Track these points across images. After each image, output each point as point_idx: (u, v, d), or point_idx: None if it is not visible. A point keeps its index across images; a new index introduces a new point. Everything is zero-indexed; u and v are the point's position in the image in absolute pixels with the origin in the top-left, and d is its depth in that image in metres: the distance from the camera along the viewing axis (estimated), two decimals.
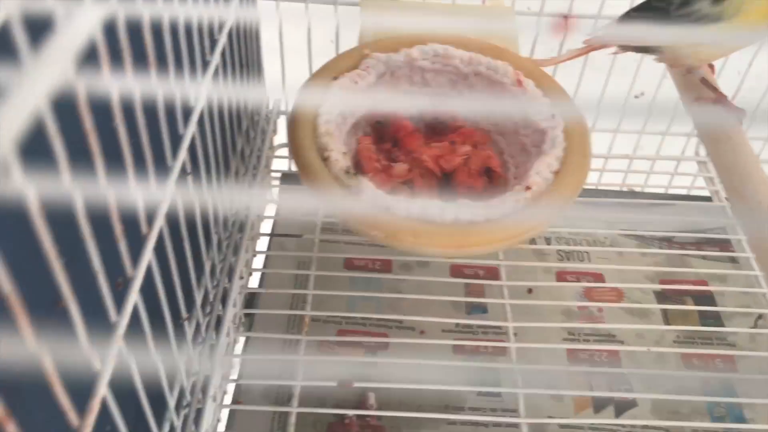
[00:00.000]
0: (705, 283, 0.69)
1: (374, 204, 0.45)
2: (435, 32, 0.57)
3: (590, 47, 0.53)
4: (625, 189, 0.77)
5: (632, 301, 0.67)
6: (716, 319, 0.66)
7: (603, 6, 0.62)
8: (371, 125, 0.54)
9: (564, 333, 0.64)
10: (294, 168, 0.72)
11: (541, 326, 0.61)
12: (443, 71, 0.56)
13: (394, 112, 0.54)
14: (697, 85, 0.51)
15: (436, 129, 0.55)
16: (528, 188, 0.46)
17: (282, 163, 0.73)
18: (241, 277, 0.55)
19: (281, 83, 0.69)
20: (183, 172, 0.41)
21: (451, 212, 0.45)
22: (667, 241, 0.72)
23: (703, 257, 0.72)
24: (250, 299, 0.64)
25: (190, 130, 0.40)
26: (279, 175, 0.74)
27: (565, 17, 0.62)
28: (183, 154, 0.39)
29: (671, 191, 0.77)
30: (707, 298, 0.67)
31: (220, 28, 0.48)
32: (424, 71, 0.56)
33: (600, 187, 0.77)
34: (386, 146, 0.53)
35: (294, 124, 0.50)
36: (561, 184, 0.47)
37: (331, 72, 0.54)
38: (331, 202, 0.46)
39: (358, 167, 0.52)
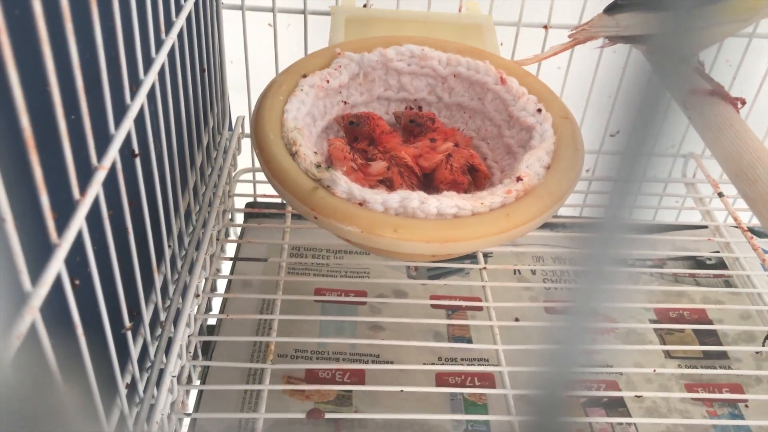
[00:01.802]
0: (703, 311, 0.64)
1: (350, 197, 0.40)
2: (410, 35, 0.54)
3: (575, 41, 0.50)
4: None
5: (628, 331, 0.62)
6: (721, 353, 0.61)
7: (583, 16, 0.60)
8: (344, 126, 0.50)
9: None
10: (260, 191, 0.68)
11: (530, 348, 0.56)
12: (420, 74, 0.53)
13: (367, 112, 0.50)
14: (691, 76, 0.48)
15: (414, 132, 0.50)
16: (519, 179, 0.42)
17: (247, 188, 0.68)
18: (197, 295, 0.48)
19: (245, 104, 0.64)
20: (129, 150, 0.35)
21: (433, 205, 0.40)
22: (659, 271, 0.68)
23: (697, 283, 0.68)
24: (210, 329, 0.57)
25: (138, 103, 0.35)
26: (243, 204, 0.68)
27: (545, 27, 0.60)
28: (129, 123, 0.34)
29: (658, 216, 0.74)
30: (709, 332, 0.63)
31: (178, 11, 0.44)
32: (400, 74, 0.53)
33: (582, 219, 0.73)
34: (361, 145, 0.48)
35: (259, 116, 0.45)
36: (553, 178, 0.43)
37: (300, 69, 0.50)
38: (301, 198, 0.40)
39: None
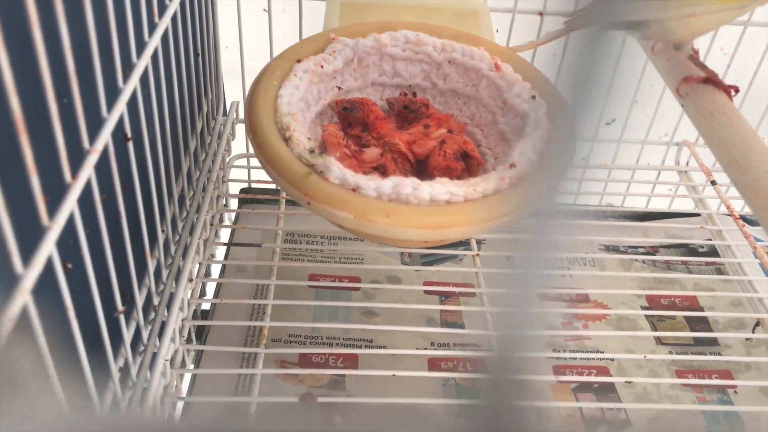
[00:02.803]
0: (694, 298, 0.65)
1: (343, 183, 0.40)
2: (406, 21, 0.54)
3: (570, 27, 0.50)
4: (603, 205, 0.73)
5: (619, 317, 0.63)
6: (711, 339, 0.61)
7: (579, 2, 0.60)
8: (338, 112, 0.50)
9: (548, 349, 0.59)
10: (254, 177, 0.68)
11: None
12: (415, 59, 0.53)
13: (361, 97, 0.50)
14: (684, 64, 0.48)
15: (408, 118, 0.50)
16: (512, 166, 0.42)
17: (241, 173, 0.68)
18: (190, 279, 0.48)
19: (240, 90, 0.64)
20: (122, 133, 0.35)
21: (426, 191, 0.40)
22: (652, 258, 0.68)
23: (689, 270, 0.68)
24: (204, 314, 0.57)
25: (130, 86, 0.35)
26: (237, 189, 0.68)
27: (541, 14, 0.60)
28: (121, 107, 0.33)
29: (651, 204, 0.74)
30: (699, 319, 0.63)
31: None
32: (394, 59, 0.53)
33: (576, 206, 0.73)
34: (355, 131, 0.48)
35: (252, 101, 0.45)
36: (547, 165, 0.43)
37: (294, 55, 0.50)
38: (294, 183, 0.40)
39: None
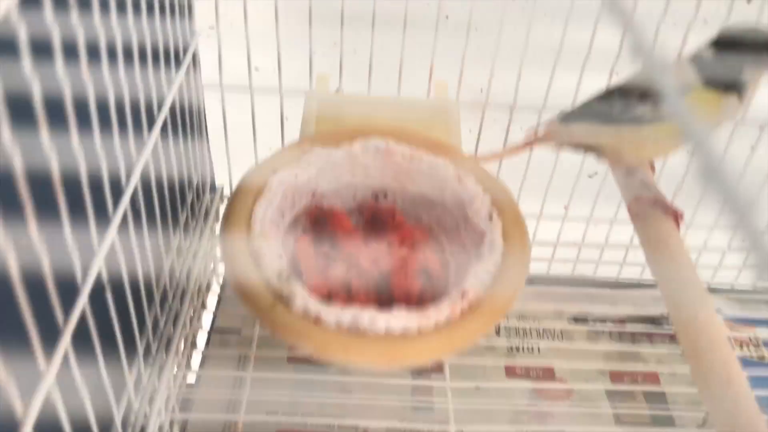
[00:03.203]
0: (656, 377, 0.68)
1: (305, 312, 0.44)
2: (377, 123, 0.57)
3: (530, 142, 0.53)
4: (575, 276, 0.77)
5: (582, 398, 0.66)
6: (667, 418, 0.65)
7: (547, 99, 0.63)
8: (310, 222, 0.53)
9: None
10: None
11: (489, 430, 0.60)
12: (385, 167, 0.56)
13: (333, 209, 0.53)
14: (638, 184, 0.51)
15: (375, 226, 0.54)
16: (464, 295, 0.45)
17: None
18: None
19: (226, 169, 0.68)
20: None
21: (382, 322, 0.43)
22: (618, 331, 0.72)
23: (653, 346, 0.71)
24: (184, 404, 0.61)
25: (107, 243, 0.38)
26: None
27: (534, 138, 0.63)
28: (96, 267, 0.37)
29: (622, 277, 0.77)
30: (659, 396, 0.66)
31: (160, 106, 0.47)
32: (366, 166, 0.56)
33: (550, 273, 0.76)
34: (325, 248, 0.51)
35: (227, 222, 0.49)
36: (498, 290, 0.46)
37: (271, 165, 0.53)
38: (261, 314, 0.44)
39: (297, 269, 0.51)
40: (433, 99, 0.61)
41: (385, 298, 0.49)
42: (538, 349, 0.70)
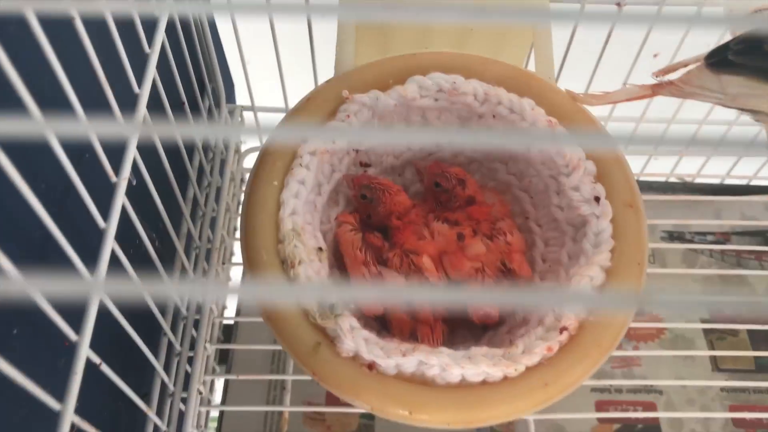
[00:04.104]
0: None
1: (356, 357, 0.34)
2: (437, 51, 0.42)
3: (656, 92, 0.38)
4: (674, 179, 0.63)
5: (675, 335, 0.57)
6: None
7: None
8: (355, 197, 0.41)
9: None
10: None
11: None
12: (451, 108, 0.42)
13: (383, 182, 0.41)
14: None
15: (440, 198, 0.42)
16: (563, 330, 0.35)
17: None
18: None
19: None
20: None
21: (456, 373, 0.34)
22: (720, 249, 0.60)
23: (762, 267, 0.60)
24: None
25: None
26: None
27: (618, 4, 0.46)
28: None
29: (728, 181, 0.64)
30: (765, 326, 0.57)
31: None
32: (424, 110, 0.42)
33: (642, 178, 0.63)
34: (375, 240, 0.40)
35: (248, 222, 0.37)
36: (603, 320, 0.35)
37: (300, 128, 0.40)
38: (300, 355, 0.34)
39: (340, 265, 0.40)
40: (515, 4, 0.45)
41: (456, 315, 0.39)
42: None
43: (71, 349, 0.27)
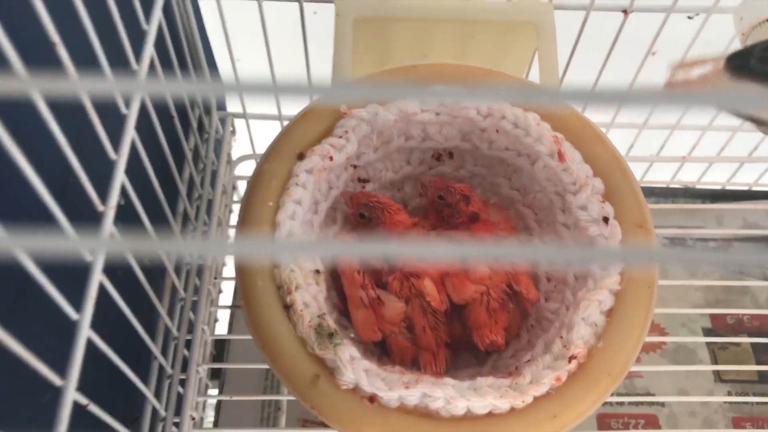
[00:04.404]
0: (766, 318, 0.57)
1: (357, 389, 0.33)
2: (438, 61, 0.40)
3: (672, 85, 0.36)
4: (676, 185, 0.62)
5: (677, 345, 0.56)
6: None
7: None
8: (353, 215, 0.39)
9: None
10: None
11: None
12: (452, 123, 0.40)
13: (381, 200, 0.39)
14: None
15: (444, 213, 0.40)
16: (572, 358, 0.33)
17: None
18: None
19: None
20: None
21: (461, 405, 0.32)
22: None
23: (765, 276, 0.59)
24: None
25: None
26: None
27: (625, 12, 0.44)
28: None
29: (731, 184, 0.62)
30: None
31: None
32: (425, 124, 0.40)
33: (643, 184, 0.61)
34: (375, 262, 0.38)
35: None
36: (615, 341, 0.34)
37: (294, 143, 0.38)
38: (298, 388, 0.33)
39: (338, 287, 0.39)
40: (516, 2, 0.43)
41: (459, 337, 0.38)
42: None
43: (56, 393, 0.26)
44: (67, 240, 0.14)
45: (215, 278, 0.49)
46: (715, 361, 0.55)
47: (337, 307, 0.38)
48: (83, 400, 0.27)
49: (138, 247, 0.15)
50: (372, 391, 0.32)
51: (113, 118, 0.31)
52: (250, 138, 0.55)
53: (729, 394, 0.54)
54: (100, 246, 0.15)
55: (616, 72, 0.47)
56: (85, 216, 0.28)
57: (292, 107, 0.46)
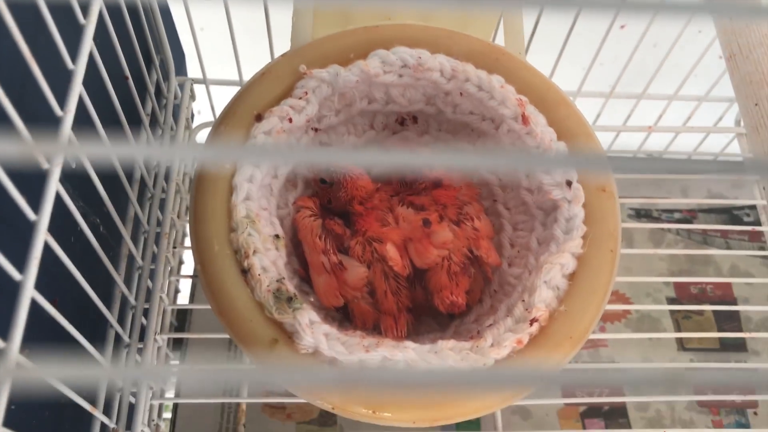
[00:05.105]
0: (728, 287, 0.58)
1: (316, 354, 0.32)
2: (400, 22, 0.39)
3: None
4: (642, 155, 0.62)
5: (641, 315, 0.56)
6: (737, 332, 0.56)
7: None
8: (315, 182, 0.38)
9: None
10: None
11: None
12: (416, 85, 0.39)
13: (345, 170, 0.38)
14: None
15: (406, 179, 0.39)
16: (533, 321, 0.33)
17: None
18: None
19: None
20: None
21: (423, 366, 0.32)
22: (687, 229, 0.60)
23: (728, 245, 0.60)
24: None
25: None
26: None
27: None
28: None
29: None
30: (730, 306, 0.56)
31: None
32: (388, 86, 0.39)
33: (611, 153, 0.61)
34: (336, 227, 0.37)
35: (198, 207, 0.34)
36: (576, 304, 0.34)
37: (250, 106, 0.37)
38: (256, 353, 0.32)
39: (299, 253, 0.38)
40: None
41: (421, 303, 0.37)
42: None
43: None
44: (23, 144, 0.13)
45: (174, 247, 0.47)
46: (678, 330, 0.56)
47: (299, 273, 0.38)
48: (29, 365, 0.26)
49: (96, 151, 0.14)
50: (332, 355, 0.32)
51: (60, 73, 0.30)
52: (211, 104, 0.53)
53: (692, 361, 0.55)
54: (56, 150, 0.14)
55: (583, 40, 0.47)
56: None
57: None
